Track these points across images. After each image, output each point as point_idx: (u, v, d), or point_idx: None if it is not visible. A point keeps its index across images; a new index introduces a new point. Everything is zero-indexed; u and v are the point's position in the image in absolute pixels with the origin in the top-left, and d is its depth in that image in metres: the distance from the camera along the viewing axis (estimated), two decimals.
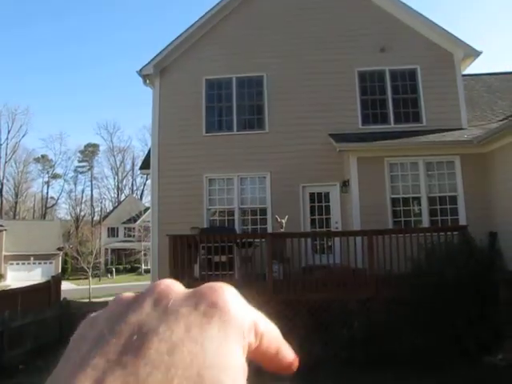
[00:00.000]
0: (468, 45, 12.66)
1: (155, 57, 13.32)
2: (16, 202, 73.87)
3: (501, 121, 12.31)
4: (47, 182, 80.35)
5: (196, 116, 13.23)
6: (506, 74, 16.77)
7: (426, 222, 10.94)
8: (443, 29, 12.88)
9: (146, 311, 0.33)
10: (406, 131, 12.16)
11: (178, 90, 13.42)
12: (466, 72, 14.04)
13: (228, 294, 0.36)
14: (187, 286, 0.36)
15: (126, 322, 0.33)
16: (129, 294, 0.37)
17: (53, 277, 14.72)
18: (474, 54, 12.73)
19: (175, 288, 0.36)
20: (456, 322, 6.98)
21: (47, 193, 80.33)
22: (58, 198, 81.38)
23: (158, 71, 13.42)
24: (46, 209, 78.88)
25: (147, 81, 13.60)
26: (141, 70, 13.27)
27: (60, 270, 48.29)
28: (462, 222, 10.60)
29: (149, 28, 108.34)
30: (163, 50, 13.38)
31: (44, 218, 73.25)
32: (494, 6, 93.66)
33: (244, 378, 0.33)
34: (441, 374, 6.60)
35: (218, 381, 0.31)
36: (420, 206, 11.16)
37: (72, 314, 13.08)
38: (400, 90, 12.94)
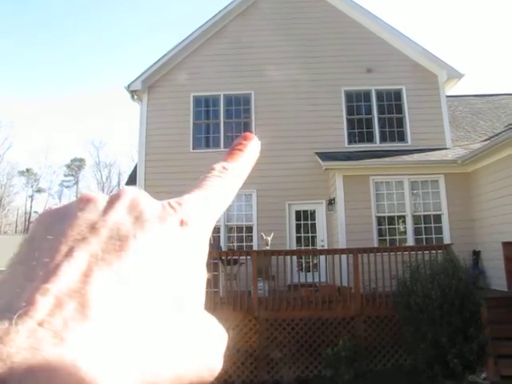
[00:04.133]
0: (451, 67, 12.93)
1: (143, 72, 13.35)
2: None
3: (484, 141, 12.52)
4: (31, 196, 79.44)
5: (183, 132, 13.25)
6: (487, 95, 17.21)
7: (410, 240, 11.01)
8: (428, 51, 13.16)
9: (121, 215, 0.32)
10: (391, 150, 12.31)
11: (165, 106, 13.44)
12: (451, 93, 14.31)
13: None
14: None
15: (104, 222, 0.31)
16: (98, 195, 0.34)
17: None
18: (458, 75, 12.99)
19: (145, 196, 0.35)
20: (440, 341, 6.99)
21: (31, 207, 79.29)
22: None
23: (146, 87, 13.45)
24: (29, 223, 77.71)
25: (135, 96, 13.60)
26: (129, 85, 13.28)
27: None
28: (447, 240, 10.68)
29: (138, 43, 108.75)
30: (152, 65, 13.43)
31: (27, 232, 72.08)
32: (478, 29, 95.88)
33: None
34: None
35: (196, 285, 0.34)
36: (405, 224, 11.23)
37: None
38: (386, 109, 13.13)
